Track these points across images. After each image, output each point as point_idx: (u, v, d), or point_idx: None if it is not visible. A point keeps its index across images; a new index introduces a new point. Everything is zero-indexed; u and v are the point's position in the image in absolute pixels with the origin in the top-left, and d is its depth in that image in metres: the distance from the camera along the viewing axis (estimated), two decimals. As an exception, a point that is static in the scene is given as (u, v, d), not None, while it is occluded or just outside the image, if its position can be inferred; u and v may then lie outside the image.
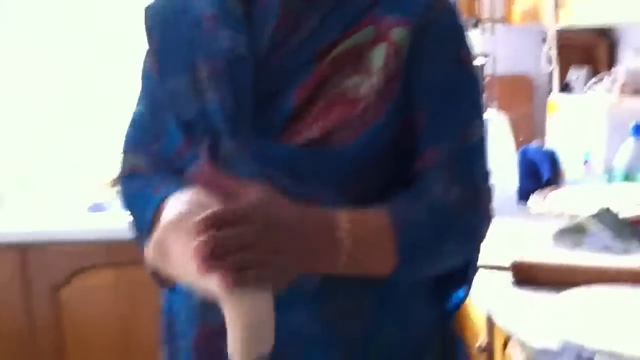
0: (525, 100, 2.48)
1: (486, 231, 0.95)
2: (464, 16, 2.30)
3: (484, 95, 2.34)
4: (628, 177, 1.75)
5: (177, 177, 0.91)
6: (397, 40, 0.88)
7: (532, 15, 2.21)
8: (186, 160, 0.92)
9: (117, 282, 2.08)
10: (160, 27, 0.98)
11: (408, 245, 0.85)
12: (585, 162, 1.94)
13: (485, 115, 0.95)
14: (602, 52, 2.42)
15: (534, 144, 2.13)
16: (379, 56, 0.88)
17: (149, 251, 0.81)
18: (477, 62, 2.25)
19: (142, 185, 0.97)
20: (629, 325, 1.11)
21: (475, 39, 2.39)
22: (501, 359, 1.33)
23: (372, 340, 0.91)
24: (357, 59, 0.88)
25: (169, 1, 1.00)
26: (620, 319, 1.14)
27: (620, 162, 1.75)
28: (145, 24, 1.00)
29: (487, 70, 2.35)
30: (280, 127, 0.88)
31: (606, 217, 1.46)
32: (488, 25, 2.38)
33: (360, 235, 0.82)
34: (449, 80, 0.91)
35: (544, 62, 2.05)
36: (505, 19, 2.46)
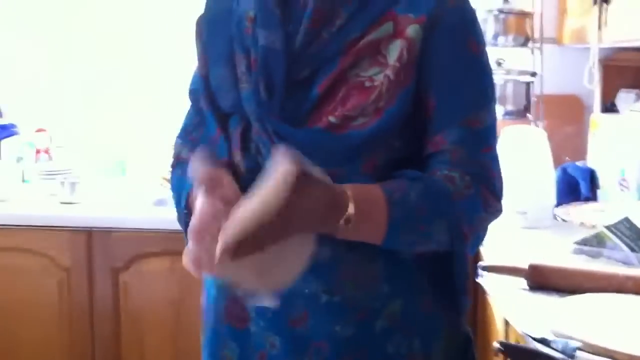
0: (576, 119, 2.53)
1: (487, 221, 1.03)
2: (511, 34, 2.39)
3: (531, 111, 2.41)
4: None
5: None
6: (412, 36, 1.00)
7: (581, 35, 2.27)
8: (219, 148, 1.06)
9: (171, 269, 2.25)
10: (209, 24, 1.12)
11: (397, 220, 0.96)
12: (622, 179, 1.99)
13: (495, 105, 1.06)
14: (653, 75, 2.46)
15: (575, 162, 2.19)
16: (394, 50, 0.99)
17: (184, 257, 0.94)
18: (523, 80, 2.33)
19: (181, 172, 1.11)
20: (623, 327, 1.18)
21: (524, 58, 2.47)
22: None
23: (379, 314, 1.02)
24: (376, 52, 1.00)
25: (219, 1, 1.13)
26: (618, 322, 1.20)
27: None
28: (198, 20, 1.14)
29: (536, 90, 2.42)
30: (306, 114, 1.00)
31: (623, 227, 1.52)
32: (537, 44, 2.45)
33: (361, 204, 0.94)
34: (458, 70, 1.02)
35: (586, 81, 2.10)
36: (557, 39, 2.53)
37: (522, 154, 1.99)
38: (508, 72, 2.39)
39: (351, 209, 0.93)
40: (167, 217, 2.26)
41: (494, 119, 1.06)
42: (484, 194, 1.01)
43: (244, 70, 1.04)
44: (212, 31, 1.11)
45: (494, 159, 1.04)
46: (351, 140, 0.98)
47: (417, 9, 1.01)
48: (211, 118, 1.07)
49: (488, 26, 2.43)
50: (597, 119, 2.21)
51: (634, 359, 1.07)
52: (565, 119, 2.48)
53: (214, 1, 1.14)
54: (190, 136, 1.16)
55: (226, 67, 1.06)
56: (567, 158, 2.25)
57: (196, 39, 1.14)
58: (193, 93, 1.15)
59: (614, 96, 2.38)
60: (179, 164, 1.16)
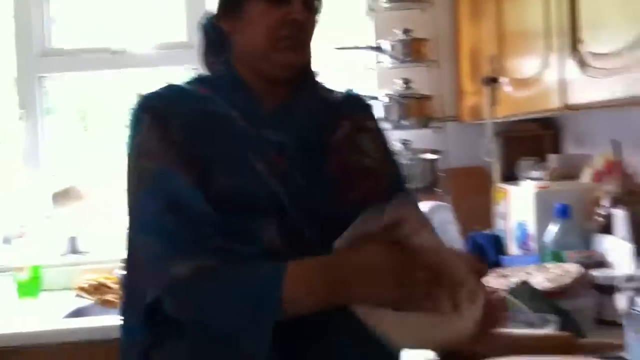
0: (483, 190, 2.66)
1: None
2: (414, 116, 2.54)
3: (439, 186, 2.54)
4: (557, 256, 1.90)
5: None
6: (374, 128, 1.24)
7: (477, 112, 2.43)
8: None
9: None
10: (185, 126, 1.07)
11: None
12: (523, 243, 2.10)
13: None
14: (547, 142, 2.63)
15: (483, 230, 2.31)
16: (367, 141, 1.21)
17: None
18: (429, 157, 2.46)
19: (238, 275, 0.99)
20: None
21: (426, 137, 2.62)
22: None
23: None
24: (352, 144, 1.19)
25: (174, 100, 1.11)
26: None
27: (549, 242, 1.92)
28: (154, 120, 1.07)
29: (440, 165, 2.55)
30: (323, 196, 1.11)
31: (523, 291, 1.61)
32: (439, 123, 2.60)
33: None
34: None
35: (483, 154, 2.24)
36: (457, 117, 2.69)
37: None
38: (414, 152, 2.52)
39: None
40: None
41: None
42: None
43: (263, 168, 1.08)
44: (192, 132, 1.08)
45: None
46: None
47: (362, 111, 1.28)
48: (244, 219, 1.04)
49: (392, 110, 2.57)
50: (499, 188, 2.34)
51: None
52: (473, 190, 2.61)
53: (172, 105, 1.10)
54: (209, 244, 1.01)
55: (243, 171, 1.07)
56: (476, 227, 2.36)
57: (160, 135, 1.07)
58: (185, 208, 1.03)
59: (516, 165, 2.53)
60: (211, 274, 0.99)
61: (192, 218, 1.02)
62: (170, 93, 1.14)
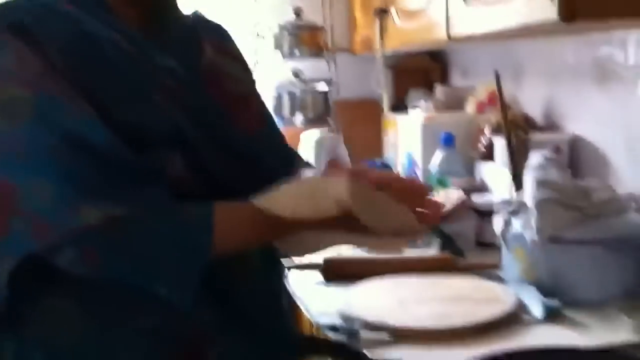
0: (374, 120, 2.72)
1: None
2: (306, 47, 2.55)
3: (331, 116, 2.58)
4: (441, 182, 1.99)
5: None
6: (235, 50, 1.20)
7: (368, 44, 2.46)
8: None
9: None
10: (63, 51, 0.91)
11: None
12: (411, 170, 2.18)
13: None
14: (436, 75, 2.70)
15: (374, 160, 2.37)
16: (234, 66, 1.17)
17: (348, 194, 0.90)
18: (320, 88, 2.49)
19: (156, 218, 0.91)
20: (402, 304, 1.32)
21: (318, 68, 2.64)
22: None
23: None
24: (221, 69, 1.13)
25: (42, 17, 0.93)
26: (397, 300, 1.34)
27: (434, 170, 2.00)
28: (22, 41, 0.90)
29: (332, 96, 2.58)
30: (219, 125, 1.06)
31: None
32: (331, 55, 2.62)
33: None
34: None
35: (374, 85, 2.29)
36: (350, 49, 2.72)
37: (321, 157, 2.14)
38: (306, 82, 2.54)
39: None
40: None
41: None
42: None
43: (161, 97, 0.98)
44: (88, 64, 0.93)
45: None
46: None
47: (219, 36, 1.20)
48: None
49: (283, 40, 2.57)
50: (389, 118, 2.40)
51: (408, 330, 1.21)
52: (364, 121, 2.66)
53: (41, 23, 0.92)
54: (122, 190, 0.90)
55: (142, 99, 0.96)
56: (366, 157, 2.42)
57: (39, 60, 0.90)
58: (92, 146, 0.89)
59: (405, 97, 2.60)
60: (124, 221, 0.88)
61: (97, 155, 0.88)
62: (34, 7, 0.94)
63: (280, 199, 0.94)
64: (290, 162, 1.21)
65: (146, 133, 0.94)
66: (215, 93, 1.08)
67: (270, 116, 1.26)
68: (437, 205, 1.05)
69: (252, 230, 0.97)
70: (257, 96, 1.22)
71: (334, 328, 1.24)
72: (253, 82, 1.25)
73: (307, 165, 1.25)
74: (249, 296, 1.04)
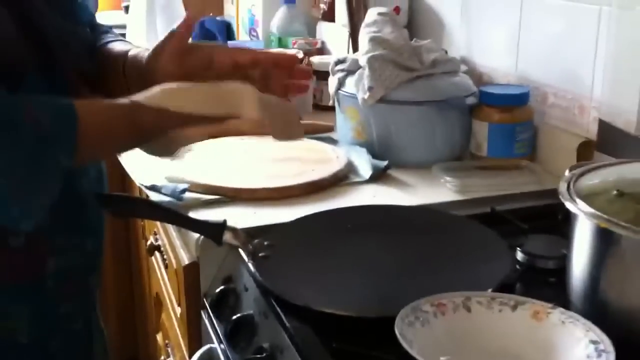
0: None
1: None
2: None
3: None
4: (281, 41, 1.92)
5: None
6: None
7: None
8: None
9: None
10: None
11: None
12: (252, 29, 2.09)
13: None
14: None
15: (214, 17, 2.25)
16: None
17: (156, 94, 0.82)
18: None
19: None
20: (230, 167, 1.28)
21: None
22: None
23: None
24: None
25: None
26: (226, 163, 1.30)
27: (274, 28, 1.92)
28: None
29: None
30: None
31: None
32: None
33: None
34: None
35: None
36: None
37: (155, 13, 1.99)
38: None
39: None
40: None
41: None
42: None
43: None
44: None
45: None
46: None
47: None
48: None
49: None
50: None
51: (237, 191, 1.17)
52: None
53: None
54: None
55: None
56: (211, 14, 2.29)
57: None
58: None
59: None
60: None
61: None
62: None
63: (181, 95, 0.85)
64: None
65: None
66: None
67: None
68: (307, 73, 1.06)
69: (124, 130, 0.83)
70: None
71: (154, 188, 1.19)
72: None
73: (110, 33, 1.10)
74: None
